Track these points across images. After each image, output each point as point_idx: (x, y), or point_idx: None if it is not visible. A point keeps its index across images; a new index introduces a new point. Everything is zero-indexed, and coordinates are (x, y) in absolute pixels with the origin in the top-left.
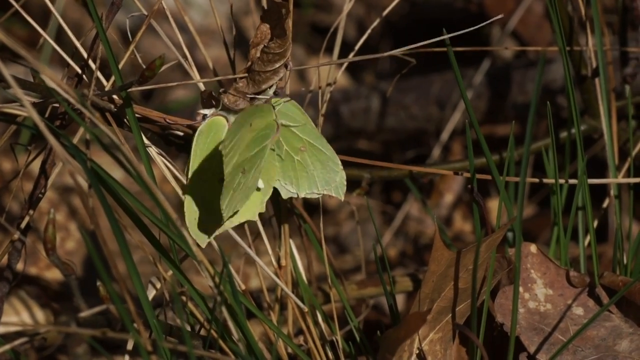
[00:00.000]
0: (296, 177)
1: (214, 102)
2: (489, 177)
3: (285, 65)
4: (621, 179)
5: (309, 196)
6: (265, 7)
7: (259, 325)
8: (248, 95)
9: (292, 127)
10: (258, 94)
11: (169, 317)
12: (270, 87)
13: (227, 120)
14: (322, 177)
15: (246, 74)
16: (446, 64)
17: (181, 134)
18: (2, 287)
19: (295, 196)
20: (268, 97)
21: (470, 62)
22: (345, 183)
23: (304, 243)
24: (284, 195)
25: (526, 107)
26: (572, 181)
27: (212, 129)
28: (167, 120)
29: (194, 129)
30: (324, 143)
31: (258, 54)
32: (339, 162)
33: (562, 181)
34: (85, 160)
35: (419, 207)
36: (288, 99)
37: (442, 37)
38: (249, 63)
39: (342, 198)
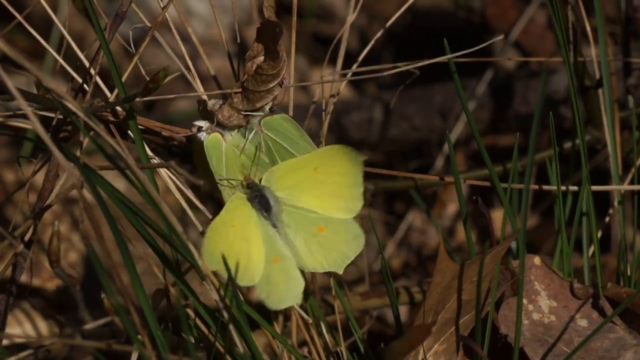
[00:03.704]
0: None
1: (209, 114)
2: (487, 184)
3: (280, 84)
4: (625, 186)
5: None
6: (260, 24)
7: (263, 337)
8: (242, 112)
9: (285, 145)
10: (252, 111)
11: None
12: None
13: (223, 136)
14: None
15: (241, 90)
16: (449, 75)
17: (182, 142)
18: (6, 299)
19: None
20: (263, 114)
21: (473, 72)
22: None
23: None
24: None
25: (529, 118)
26: (574, 188)
27: (212, 148)
28: (163, 132)
29: (190, 139)
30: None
31: (254, 67)
32: None
33: (564, 188)
34: (88, 171)
35: (422, 218)
36: (282, 114)
37: (447, 57)
38: (244, 77)
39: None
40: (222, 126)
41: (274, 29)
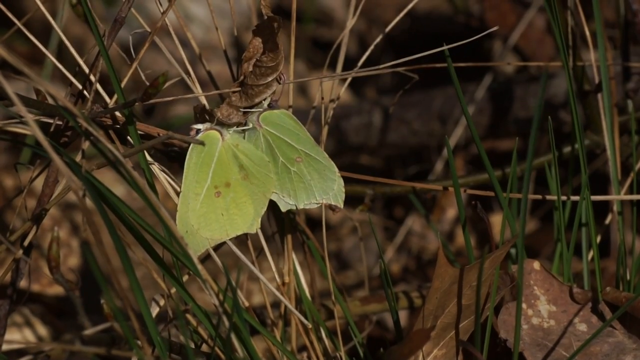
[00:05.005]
0: (293, 189)
1: (207, 117)
2: (492, 194)
3: (278, 79)
4: (624, 196)
5: (307, 207)
6: (258, 22)
7: (262, 342)
8: (241, 109)
9: (286, 139)
10: (251, 107)
11: (172, 334)
12: (263, 100)
13: (221, 135)
14: (320, 186)
15: (239, 88)
16: (448, 79)
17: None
18: (5, 305)
19: (294, 208)
20: (262, 109)
21: (472, 77)
22: (343, 190)
23: (306, 259)
24: (283, 207)
25: (528, 122)
26: (575, 198)
27: (205, 143)
28: (161, 135)
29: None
30: (319, 152)
31: (250, 68)
32: (336, 170)
33: (564, 198)
34: (88, 177)
35: (422, 222)
36: (282, 110)
37: (443, 48)
38: (242, 77)
39: (342, 205)
40: (220, 126)
41: (272, 23)
